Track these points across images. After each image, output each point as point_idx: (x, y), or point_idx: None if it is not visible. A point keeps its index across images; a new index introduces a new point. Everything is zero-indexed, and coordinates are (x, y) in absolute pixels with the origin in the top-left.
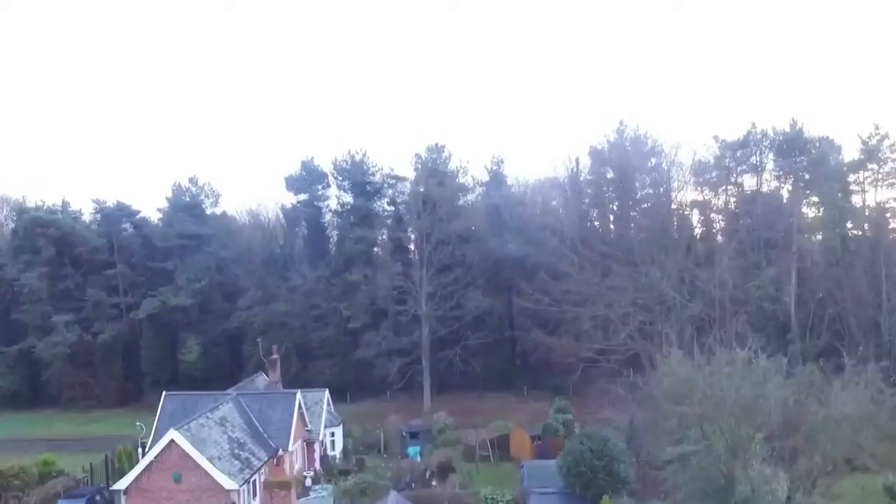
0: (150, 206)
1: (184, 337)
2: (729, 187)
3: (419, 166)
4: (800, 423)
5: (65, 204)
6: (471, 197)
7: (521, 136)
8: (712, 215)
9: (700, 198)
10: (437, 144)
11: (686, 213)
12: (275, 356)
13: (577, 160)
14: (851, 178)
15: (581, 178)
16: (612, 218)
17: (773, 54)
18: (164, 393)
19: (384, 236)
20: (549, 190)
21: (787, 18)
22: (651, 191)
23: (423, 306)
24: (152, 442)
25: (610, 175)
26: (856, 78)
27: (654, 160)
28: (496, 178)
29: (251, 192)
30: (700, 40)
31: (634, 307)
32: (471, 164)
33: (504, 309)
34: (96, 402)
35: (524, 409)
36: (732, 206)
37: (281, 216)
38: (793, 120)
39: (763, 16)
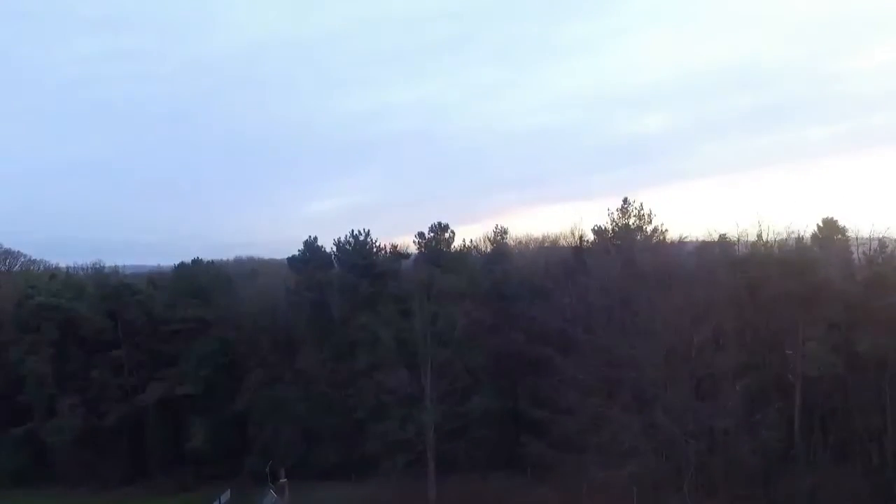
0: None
1: (190, 420)
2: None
3: (422, 246)
4: None
5: (68, 277)
6: (475, 267)
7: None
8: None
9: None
10: (439, 223)
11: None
12: (283, 479)
13: (580, 237)
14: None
15: (584, 255)
16: (616, 315)
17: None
18: None
19: (388, 326)
20: (553, 267)
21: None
22: (653, 266)
23: (428, 403)
24: None
25: (612, 253)
26: (863, 185)
27: (657, 237)
28: (499, 250)
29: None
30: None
31: (640, 441)
32: (476, 232)
33: (510, 406)
34: (101, 484)
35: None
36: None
37: (284, 296)
38: (798, 235)
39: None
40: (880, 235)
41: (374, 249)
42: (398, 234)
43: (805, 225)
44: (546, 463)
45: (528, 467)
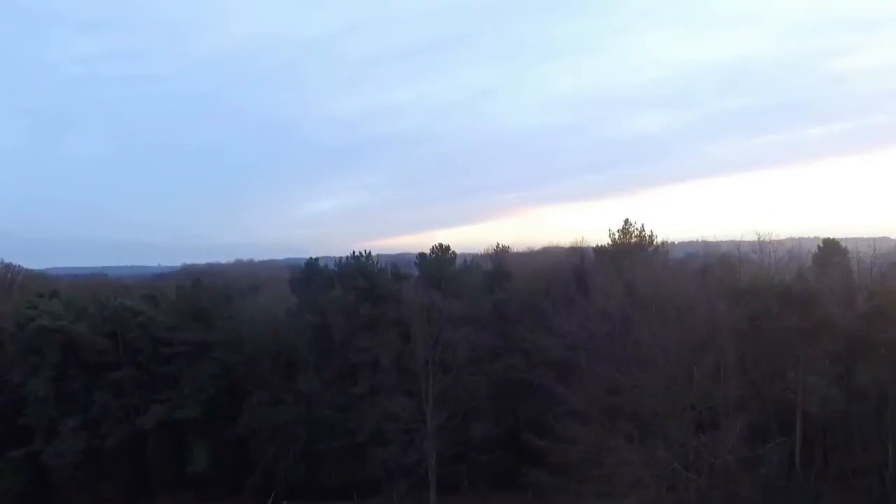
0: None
1: (191, 442)
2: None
3: (424, 268)
4: None
5: (69, 296)
6: (476, 289)
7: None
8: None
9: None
10: (440, 245)
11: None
12: None
13: (581, 257)
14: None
15: (586, 278)
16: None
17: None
18: None
19: (388, 350)
20: (554, 289)
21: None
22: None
23: (429, 430)
24: None
25: (613, 278)
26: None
27: (659, 261)
28: (500, 270)
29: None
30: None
31: (642, 473)
32: (478, 247)
33: (511, 430)
34: None
35: None
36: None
37: (285, 317)
38: (800, 267)
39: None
40: (881, 263)
41: (376, 270)
42: (398, 233)
43: (805, 232)
44: (547, 490)
45: (528, 490)
